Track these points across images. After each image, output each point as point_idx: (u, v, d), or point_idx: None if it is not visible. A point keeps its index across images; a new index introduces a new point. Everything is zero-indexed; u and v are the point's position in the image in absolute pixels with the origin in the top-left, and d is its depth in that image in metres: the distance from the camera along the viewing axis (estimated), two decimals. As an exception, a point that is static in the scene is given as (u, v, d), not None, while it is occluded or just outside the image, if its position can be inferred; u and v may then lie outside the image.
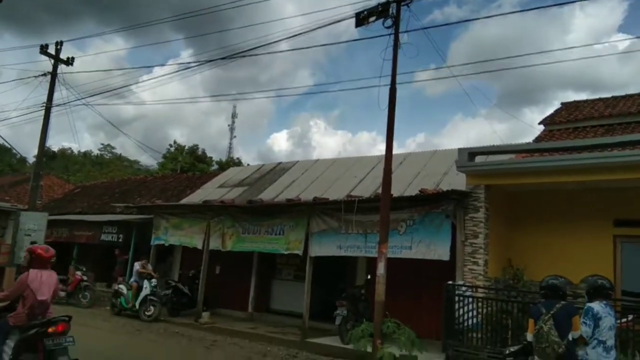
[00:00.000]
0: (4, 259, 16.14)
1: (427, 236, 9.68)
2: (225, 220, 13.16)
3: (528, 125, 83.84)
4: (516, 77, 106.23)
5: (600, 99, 13.03)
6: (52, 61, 19.19)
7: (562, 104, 13.70)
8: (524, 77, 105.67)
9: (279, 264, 14.33)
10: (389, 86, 9.74)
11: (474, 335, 8.37)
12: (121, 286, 13.83)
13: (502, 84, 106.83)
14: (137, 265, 13.81)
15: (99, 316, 13.20)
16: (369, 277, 10.87)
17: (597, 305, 5.50)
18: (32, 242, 15.90)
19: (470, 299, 8.48)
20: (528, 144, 10.77)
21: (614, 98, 12.83)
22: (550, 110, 14.55)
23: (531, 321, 5.57)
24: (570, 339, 5.27)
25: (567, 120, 12.12)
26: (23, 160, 44.37)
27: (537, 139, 11.92)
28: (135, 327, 11.86)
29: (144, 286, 13.16)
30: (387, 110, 9.70)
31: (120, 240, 16.58)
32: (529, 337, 5.54)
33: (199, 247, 13.54)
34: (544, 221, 9.92)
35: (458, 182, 10.32)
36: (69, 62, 19.43)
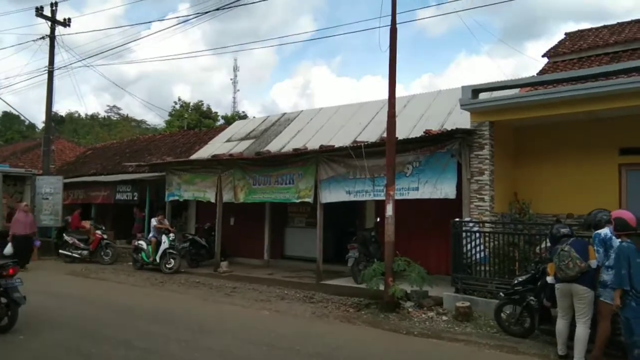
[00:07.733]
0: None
1: (434, 176, 9.79)
2: (235, 173, 13.38)
3: (532, 59, 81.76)
4: (517, 11, 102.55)
5: (605, 27, 12.62)
6: (49, 23, 19.01)
7: (565, 34, 13.26)
8: (524, 11, 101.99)
9: (291, 212, 14.68)
10: (389, 26, 9.57)
11: (482, 268, 8.58)
12: (141, 242, 14.29)
13: (504, 19, 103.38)
14: (154, 221, 14.23)
15: (122, 272, 13.75)
16: (378, 219, 11.09)
17: (603, 230, 5.71)
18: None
19: (478, 234, 8.63)
20: (531, 77, 10.56)
21: (619, 24, 12.40)
22: (553, 43, 14.18)
23: (551, 265, 5.93)
24: (593, 266, 5.62)
25: (571, 51, 11.81)
26: (32, 126, 44.74)
27: (541, 72, 11.69)
28: (158, 279, 12.37)
29: (163, 240, 13.61)
30: (388, 52, 9.57)
31: (135, 198, 16.96)
32: (550, 279, 5.95)
33: (212, 200, 13.87)
34: (549, 154, 9.94)
35: (463, 121, 10.28)
36: (66, 23, 19.21)
